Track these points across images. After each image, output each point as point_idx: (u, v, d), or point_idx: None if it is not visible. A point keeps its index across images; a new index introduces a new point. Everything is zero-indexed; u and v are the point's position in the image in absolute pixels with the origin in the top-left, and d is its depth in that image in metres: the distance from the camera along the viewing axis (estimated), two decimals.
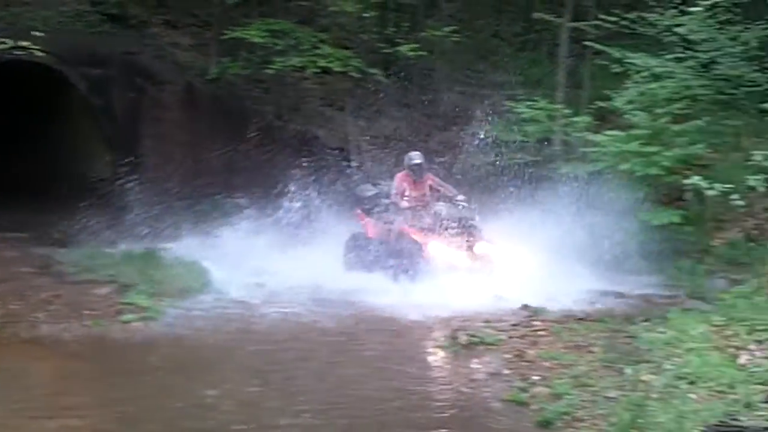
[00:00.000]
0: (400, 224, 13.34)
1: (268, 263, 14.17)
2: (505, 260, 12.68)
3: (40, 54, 13.88)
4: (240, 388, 8.75)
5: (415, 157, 13.53)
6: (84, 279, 12.38)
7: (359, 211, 14.33)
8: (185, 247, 15.64)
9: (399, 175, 13.74)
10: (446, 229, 12.89)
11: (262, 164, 20.23)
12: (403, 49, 19.83)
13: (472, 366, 9.49)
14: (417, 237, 12.94)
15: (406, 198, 13.44)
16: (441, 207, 13.10)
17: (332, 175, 20.57)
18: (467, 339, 10.15)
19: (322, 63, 19.08)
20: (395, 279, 13.21)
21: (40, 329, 10.65)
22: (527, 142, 18.06)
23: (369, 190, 14.37)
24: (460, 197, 13.31)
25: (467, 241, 12.89)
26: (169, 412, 7.97)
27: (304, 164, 20.15)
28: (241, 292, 12.80)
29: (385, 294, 12.61)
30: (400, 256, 12.97)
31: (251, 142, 20.33)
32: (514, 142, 18.09)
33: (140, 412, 7.98)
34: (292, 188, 16.95)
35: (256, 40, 19.01)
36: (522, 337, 10.33)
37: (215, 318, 11.40)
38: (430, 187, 13.69)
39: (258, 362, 9.73)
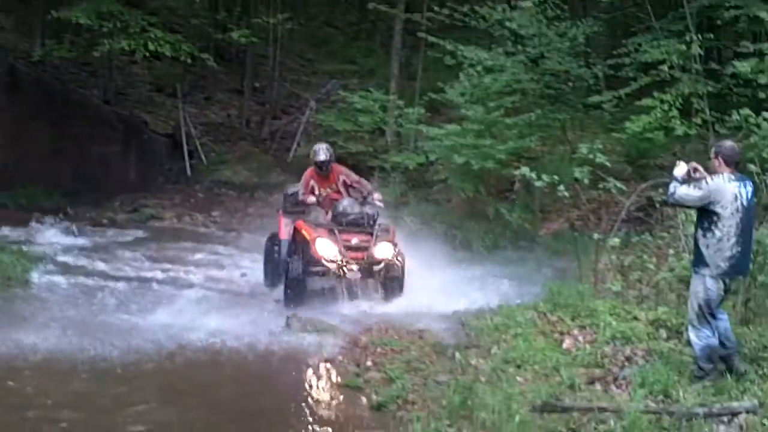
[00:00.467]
0: (297, 220, 12.16)
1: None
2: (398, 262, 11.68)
3: None
4: None
5: (320, 151, 12.21)
6: None
7: (279, 210, 12.95)
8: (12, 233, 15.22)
9: (307, 171, 12.50)
10: (342, 224, 11.57)
11: (88, 149, 19.75)
12: (235, 35, 19.75)
13: (308, 352, 9.55)
14: (307, 233, 11.60)
15: (314, 195, 12.19)
16: (341, 202, 11.84)
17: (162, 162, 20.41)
18: (300, 326, 10.22)
19: (151, 47, 18.69)
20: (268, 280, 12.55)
21: None
22: (360, 131, 18.27)
23: (292, 188, 12.87)
24: (376, 195, 12.06)
25: (362, 240, 11.52)
26: None
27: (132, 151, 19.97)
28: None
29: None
30: (292, 254, 11.86)
31: (77, 127, 19.76)
32: (347, 131, 18.27)
33: None
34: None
35: (83, 21, 18.45)
36: (355, 323, 10.51)
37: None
38: (344, 183, 12.34)
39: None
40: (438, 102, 16.31)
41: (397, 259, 11.59)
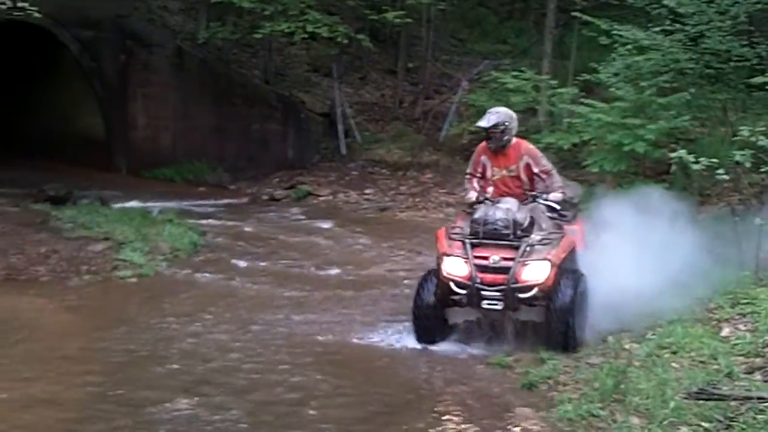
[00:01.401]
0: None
1: None
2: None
3: (35, 15, 13.87)
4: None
5: (487, 115, 8.78)
6: (80, 235, 12.41)
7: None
8: (178, 207, 15.86)
9: (479, 146, 9.14)
10: (478, 236, 8.46)
11: (249, 127, 20.40)
12: (390, 16, 19.86)
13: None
14: (440, 247, 8.69)
15: (479, 180, 8.90)
16: (486, 207, 8.60)
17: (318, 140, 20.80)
18: None
19: (309, 29, 19.06)
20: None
21: (39, 282, 10.84)
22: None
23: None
24: (552, 195, 8.77)
25: (504, 257, 8.36)
26: (163, 359, 8.17)
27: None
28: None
29: None
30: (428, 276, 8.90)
31: (239, 106, 20.41)
32: None
33: (133, 360, 8.22)
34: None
35: (245, 4, 19.04)
36: None
37: (202, 278, 11.59)
38: (527, 169, 8.82)
39: (243, 314, 9.89)
40: (591, 82, 16.03)
41: (562, 285, 8.33)
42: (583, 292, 8.54)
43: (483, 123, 8.72)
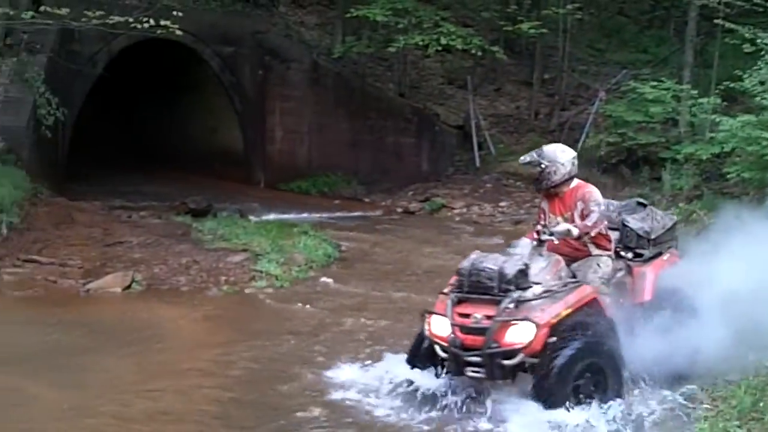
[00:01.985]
0: None
1: None
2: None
3: (177, 33, 14.36)
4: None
5: (535, 153, 7.56)
6: (219, 247, 12.75)
7: None
8: (313, 218, 16.11)
9: None
10: (462, 290, 7.12)
11: (383, 139, 20.61)
12: (525, 27, 19.76)
13: None
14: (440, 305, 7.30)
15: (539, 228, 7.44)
16: (477, 255, 7.31)
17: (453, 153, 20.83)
18: None
19: (444, 41, 19.12)
20: None
21: (181, 291, 11.18)
22: (651, 122, 17.79)
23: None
24: (560, 227, 7.27)
25: (485, 314, 6.90)
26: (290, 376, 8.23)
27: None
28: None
29: None
30: None
31: (373, 119, 20.65)
32: (638, 122, 17.85)
33: (264, 371, 8.29)
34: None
35: (380, 18, 19.23)
36: None
37: (335, 290, 11.72)
38: (582, 214, 7.40)
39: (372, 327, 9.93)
40: (735, 91, 15.52)
41: (560, 349, 6.77)
42: (597, 342, 6.95)
43: (521, 159, 7.71)
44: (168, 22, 13.92)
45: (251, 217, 15.52)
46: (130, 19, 13.87)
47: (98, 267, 11.55)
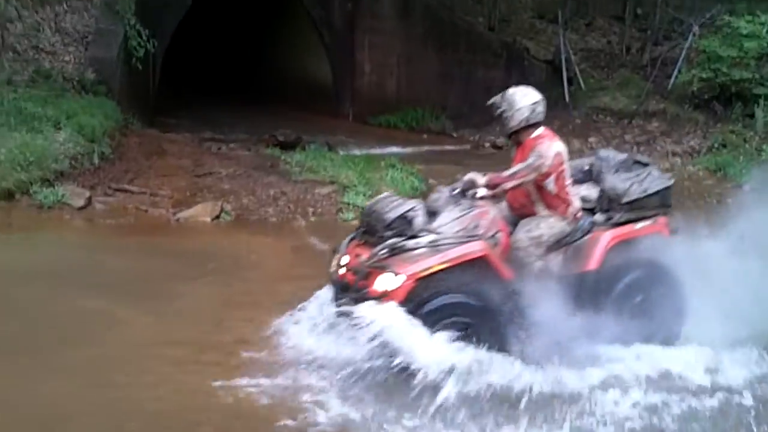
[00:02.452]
0: None
1: None
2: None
3: None
4: None
5: (498, 97, 6.87)
6: (307, 179, 12.63)
7: None
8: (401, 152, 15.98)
9: None
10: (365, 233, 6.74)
11: (472, 74, 20.23)
12: None
13: None
14: None
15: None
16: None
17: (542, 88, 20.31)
18: None
19: None
20: None
21: (269, 222, 11.14)
22: (746, 57, 17.07)
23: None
24: (480, 190, 6.61)
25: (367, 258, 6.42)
26: None
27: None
28: None
29: None
30: None
31: (462, 53, 20.27)
32: (732, 57, 17.14)
33: None
34: None
35: None
36: None
37: None
38: None
39: None
40: None
41: (423, 303, 6.17)
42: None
43: (496, 102, 6.86)
44: None
45: (339, 150, 15.38)
46: None
47: (188, 197, 11.55)
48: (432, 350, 6.01)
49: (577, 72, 20.07)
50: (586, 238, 6.73)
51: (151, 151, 13.29)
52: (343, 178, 12.70)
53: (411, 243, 6.34)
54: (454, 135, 19.16)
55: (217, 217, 10.96)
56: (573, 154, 16.77)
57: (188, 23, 18.14)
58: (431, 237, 6.37)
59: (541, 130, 6.79)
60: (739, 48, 17.01)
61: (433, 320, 6.13)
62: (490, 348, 6.21)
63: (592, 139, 17.78)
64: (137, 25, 15.30)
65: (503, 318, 6.36)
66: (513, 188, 6.66)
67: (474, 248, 6.35)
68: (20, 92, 12.86)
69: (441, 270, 6.22)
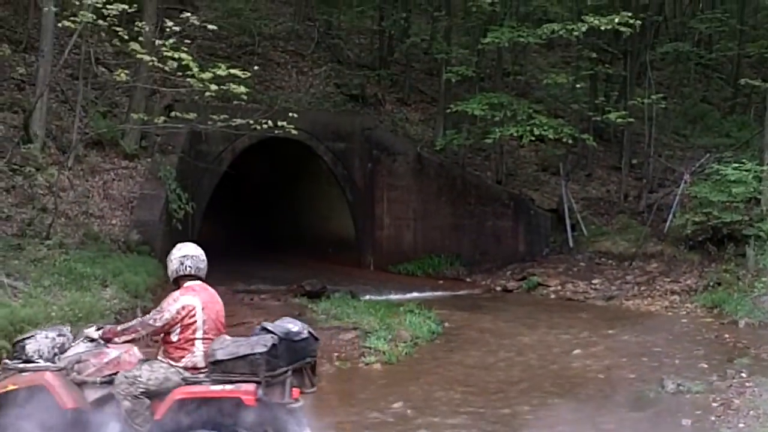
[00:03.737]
0: None
1: None
2: None
3: (294, 131, 14.84)
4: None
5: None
6: (332, 325, 12.90)
7: None
8: (418, 297, 16.33)
9: None
10: None
11: (483, 224, 20.71)
12: (613, 116, 19.69)
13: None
14: None
15: None
16: None
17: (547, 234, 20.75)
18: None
19: (537, 132, 19.18)
20: None
21: None
22: (734, 201, 17.45)
23: None
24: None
25: None
26: None
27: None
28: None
29: None
30: None
31: (473, 205, 20.79)
32: (722, 202, 17.52)
33: None
34: None
35: (477, 113, 19.43)
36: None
37: (440, 364, 11.72)
38: None
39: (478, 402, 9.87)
40: None
41: None
42: None
43: None
44: (285, 123, 14.45)
45: (361, 297, 15.69)
46: (251, 121, 14.43)
47: None
48: None
49: (579, 219, 20.48)
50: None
51: None
52: (365, 323, 12.98)
53: (12, 364, 6.52)
54: (468, 280, 19.48)
55: None
56: (579, 294, 17.21)
57: (224, 185, 18.82)
58: (29, 365, 6.46)
59: (191, 283, 6.56)
60: (728, 193, 17.33)
61: None
62: None
63: (596, 281, 18.03)
64: (177, 190, 15.97)
65: None
66: (130, 340, 6.54)
67: (37, 377, 6.37)
68: (71, 254, 13.25)
69: (8, 391, 6.34)
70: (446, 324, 14.08)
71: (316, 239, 21.28)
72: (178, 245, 6.76)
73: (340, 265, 20.12)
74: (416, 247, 20.73)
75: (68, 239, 13.80)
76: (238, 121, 14.41)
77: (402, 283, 18.68)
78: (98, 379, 6.42)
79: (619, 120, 19.63)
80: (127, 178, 16.39)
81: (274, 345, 6.16)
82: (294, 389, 6.22)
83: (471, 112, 19.40)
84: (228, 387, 6.16)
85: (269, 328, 6.29)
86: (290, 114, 15.11)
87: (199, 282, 6.57)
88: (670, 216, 19.43)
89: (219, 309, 6.58)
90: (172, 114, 14.36)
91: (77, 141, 15.82)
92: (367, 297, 16.04)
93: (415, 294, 17.12)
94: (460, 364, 11.83)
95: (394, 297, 16.52)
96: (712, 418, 8.90)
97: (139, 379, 6.31)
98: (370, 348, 12.02)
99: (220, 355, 6.21)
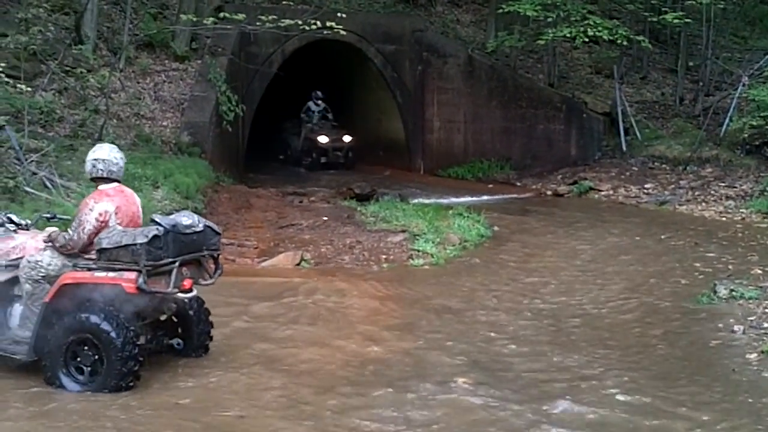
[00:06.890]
0: None
1: None
2: None
3: (343, 33, 14.40)
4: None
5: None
6: (381, 228, 12.71)
7: None
8: (468, 201, 15.99)
9: None
10: None
11: (534, 127, 20.24)
12: (669, 17, 18.86)
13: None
14: None
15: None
16: None
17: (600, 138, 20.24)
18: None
19: (591, 33, 18.49)
20: None
21: (344, 269, 11.13)
22: None
23: None
24: None
25: None
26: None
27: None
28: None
29: None
30: None
31: (524, 108, 20.29)
32: None
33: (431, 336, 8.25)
34: None
35: (530, 13, 18.76)
36: None
37: (486, 267, 11.51)
38: None
39: (521, 300, 9.68)
40: None
41: None
42: None
43: None
44: (334, 24, 14.00)
45: (411, 201, 15.44)
46: (300, 22, 14.02)
47: (272, 247, 11.73)
48: None
49: (633, 123, 19.88)
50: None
51: (239, 206, 13.55)
52: (413, 226, 12.75)
53: None
54: (518, 184, 19.08)
55: (298, 264, 11.07)
56: (631, 198, 16.78)
57: (275, 88, 18.53)
58: None
59: (105, 187, 6.67)
60: None
61: None
62: None
63: (648, 186, 17.55)
64: (227, 92, 15.71)
65: None
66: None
67: None
68: None
69: None
70: (495, 228, 13.80)
71: (368, 143, 20.98)
72: (95, 146, 6.93)
73: (391, 168, 19.91)
74: (466, 150, 20.35)
75: (120, 140, 13.66)
76: (287, 21, 13.98)
77: (451, 186, 18.40)
78: (3, 262, 6.77)
79: (676, 21, 18.81)
80: (177, 80, 16.17)
81: (156, 236, 6.30)
82: (187, 280, 6.52)
83: (523, 12, 18.76)
84: (111, 274, 6.39)
85: (157, 219, 6.48)
86: (339, 14, 14.65)
87: (114, 184, 6.69)
88: (727, 120, 18.76)
89: (135, 210, 6.75)
90: (222, 15, 13.96)
91: (128, 42, 15.59)
92: (417, 200, 15.74)
93: (464, 198, 16.80)
94: (508, 266, 11.60)
95: (443, 200, 16.20)
96: (765, 325, 8.57)
97: (40, 264, 6.58)
98: (418, 251, 11.84)
99: (105, 244, 6.39)
